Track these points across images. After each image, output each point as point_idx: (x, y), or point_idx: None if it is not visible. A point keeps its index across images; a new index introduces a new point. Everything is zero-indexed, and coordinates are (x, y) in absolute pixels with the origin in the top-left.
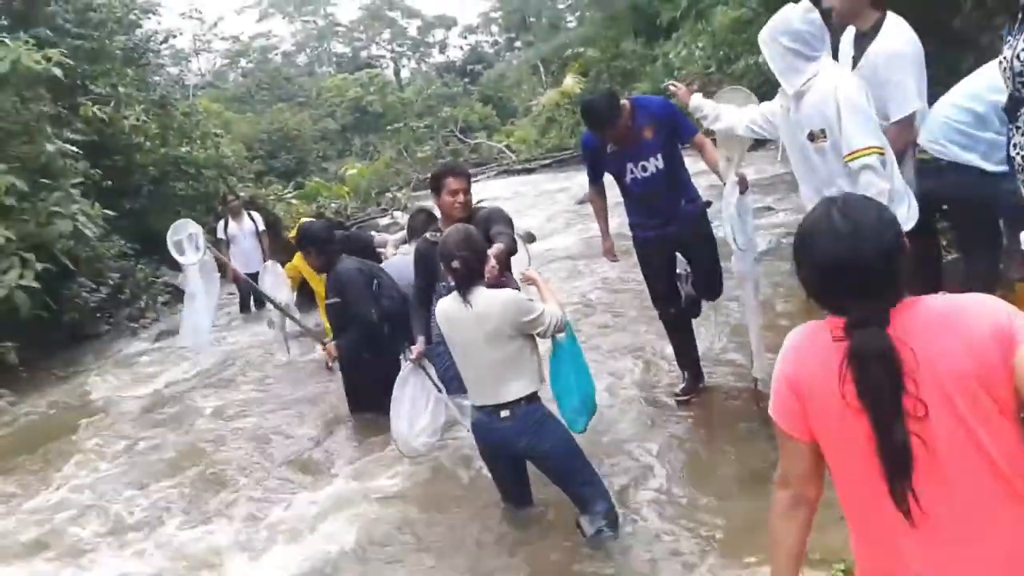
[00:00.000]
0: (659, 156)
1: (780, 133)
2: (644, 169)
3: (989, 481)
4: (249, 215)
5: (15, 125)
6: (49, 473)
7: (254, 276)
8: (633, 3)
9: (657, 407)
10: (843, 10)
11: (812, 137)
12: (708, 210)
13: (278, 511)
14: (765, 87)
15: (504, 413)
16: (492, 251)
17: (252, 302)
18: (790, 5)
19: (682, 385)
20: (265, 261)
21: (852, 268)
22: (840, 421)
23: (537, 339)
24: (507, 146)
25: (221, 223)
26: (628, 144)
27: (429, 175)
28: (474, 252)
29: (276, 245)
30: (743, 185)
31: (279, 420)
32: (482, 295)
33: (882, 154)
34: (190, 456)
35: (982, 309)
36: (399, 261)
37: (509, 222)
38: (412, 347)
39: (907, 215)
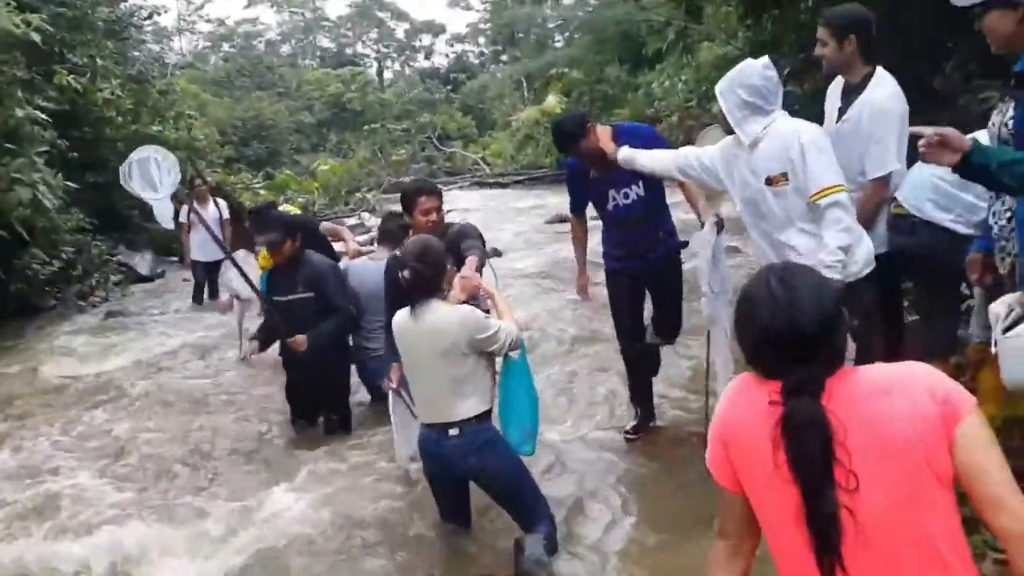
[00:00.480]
0: (640, 183)
1: (725, 180)
2: (626, 196)
3: (921, 558)
4: (214, 201)
5: None
6: None
7: (213, 264)
8: (623, 30)
9: (605, 442)
10: (834, 61)
11: (770, 181)
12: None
13: (214, 507)
14: None
15: (453, 432)
16: (468, 264)
17: (206, 292)
18: (749, 61)
19: (633, 423)
20: (226, 249)
21: (787, 337)
22: (769, 485)
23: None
24: (483, 158)
25: (184, 207)
26: (610, 170)
27: (400, 189)
28: (428, 264)
29: (238, 234)
30: (720, 225)
31: (223, 416)
32: (436, 310)
33: (848, 191)
34: (125, 443)
35: (925, 380)
36: (365, 266)
37: (480, 238)
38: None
39: (865, 256)
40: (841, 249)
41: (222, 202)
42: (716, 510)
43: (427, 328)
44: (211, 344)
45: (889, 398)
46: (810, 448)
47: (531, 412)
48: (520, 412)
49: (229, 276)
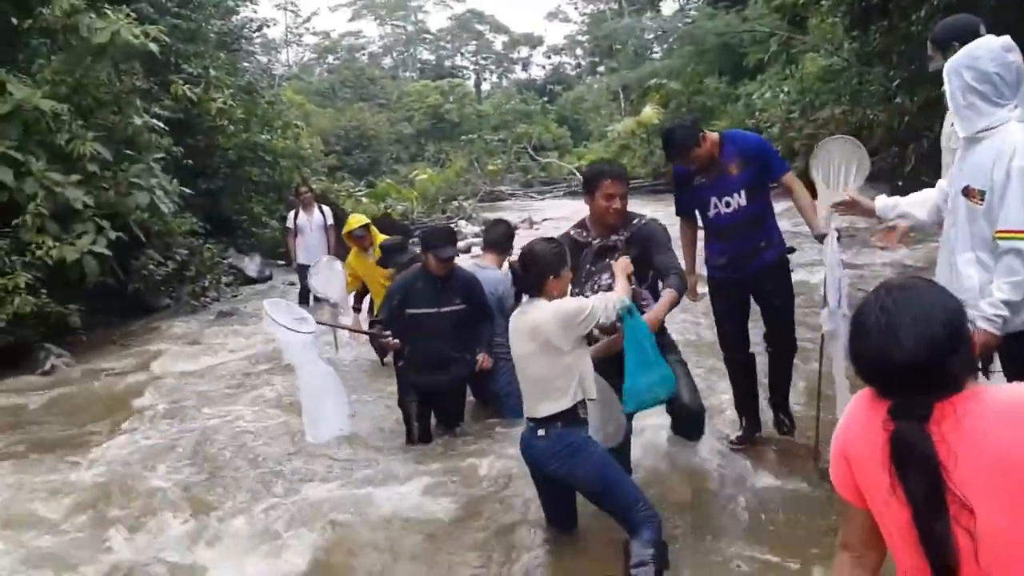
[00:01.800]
0: (742, 193)
1: (944, 166)
2: (727, 205)
3: None
4: (319, 208)
5: (107, 95)
6: (88, 441)
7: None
8: (723, 42)
9: (710, 451)
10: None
11: (968, 193)
12: (790, 256)
13: (291, 506)
14: None
15: (540, 432)
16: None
17: (312, 295)
18: (987, 37)
19: (738, 432)
20: (329, 254)
21: (886, 365)
22: (886, 504)
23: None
24: (578, 168)
25: (292, 213)
26: (713, 177)
27: (586, 174)
28: (530, 265)
29: (342, 240)
30: (838, 238)
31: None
32: (538, 307)
33: None
34: (228, 442)
35: None
36: (487, 274)
37: (669, 243)
38: None
39: None
40: (1006, 303)
41: (327, 209)
42: (830, 524)
43: (528, 325)
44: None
45: (1019, 425)
46: (916, 474)
47: (638, 371)
48: (630, 370)
49: (316, 280)
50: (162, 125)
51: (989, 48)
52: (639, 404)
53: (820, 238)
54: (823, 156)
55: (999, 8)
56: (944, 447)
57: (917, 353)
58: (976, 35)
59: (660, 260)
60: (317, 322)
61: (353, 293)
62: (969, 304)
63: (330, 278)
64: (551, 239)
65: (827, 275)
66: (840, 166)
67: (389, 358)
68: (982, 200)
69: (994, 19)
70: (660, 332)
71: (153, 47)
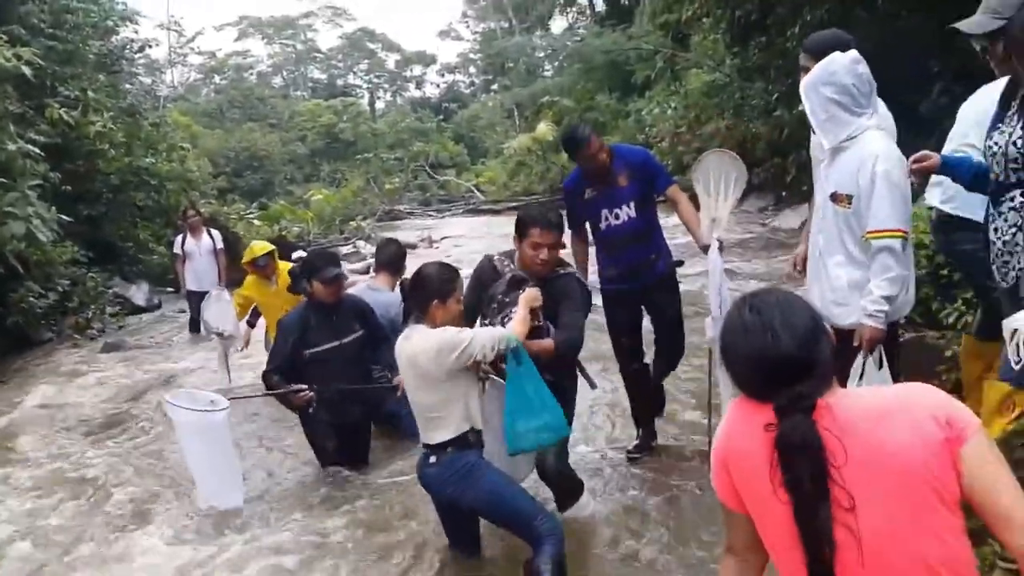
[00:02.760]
0: (631, 204)
1: (814, 178)
2: (617, 217)
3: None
4: (208, 232)
5: None
6: None
7: (206, 294)
8: (610, 59)
9: (607, 461)
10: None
11: (835, 198)
12: (677, 269)
13: (187, 551)
14: (734, 151)
15: (432, 459)
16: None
17: (202, 326)
18: (836, 54)
19: (635, 442)
20: (220, 279)
21: (766, 362)
22: (767, 506)
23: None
24: (476, 186)
25: (179, 237)
26: (604, 189)
27: (518, 218)
28: (416, 289)
29: (232, 264)
30: (721, 248)
31: None
32: (420, 336)
33: (905, 238)
34: (116, 477)
35: (926, 403)
36: (377, 297)
37: (586, 304)
38: None
39: (908, 302)
40: (885, 299)
41: (216, 233)
42: (723, 527)
43: (407, 353)
44: (206, 374)
45: (889, 421)
46: (803, 465)
47: (518, 415)
48: (509, 412)
49: (209, 315)
50: (38, 151)
51: (842, 63)
52: (518, 447)
53: (704, 248)
54: (703, 169)
55: (870, 24)
56: (830, 438)
57: (793, 345)
58: (848, 48)
59: (566, 318)
60: (229, 398)
61: (245, 318)
62: (839, 302)
63: (222, 310)
64: (448, 265)
65: (710, 284)
66: (720, 178)
67: None
68: (849, 204)
69: (864, 34)
70: (566, 374)
71: (26, 70)
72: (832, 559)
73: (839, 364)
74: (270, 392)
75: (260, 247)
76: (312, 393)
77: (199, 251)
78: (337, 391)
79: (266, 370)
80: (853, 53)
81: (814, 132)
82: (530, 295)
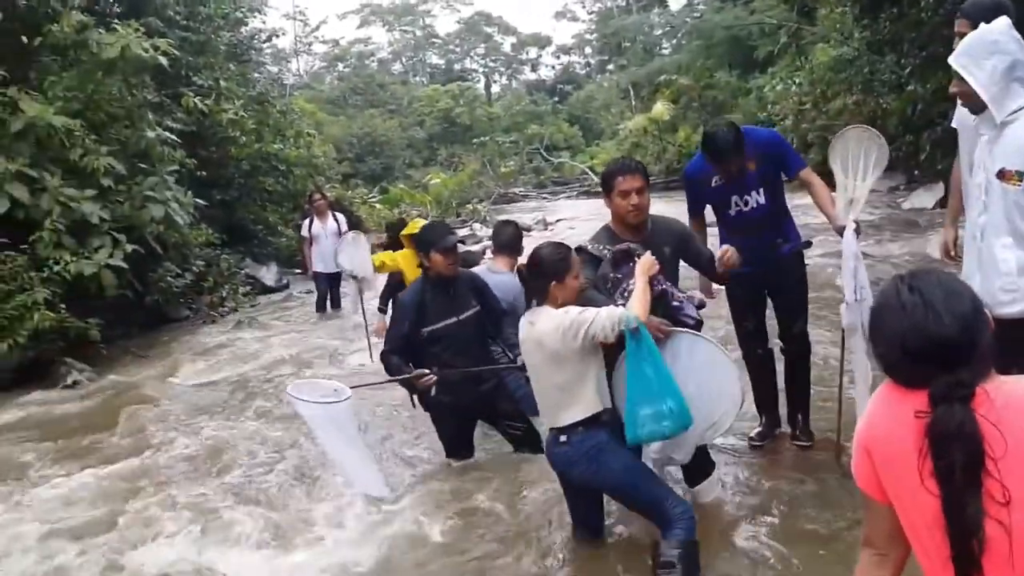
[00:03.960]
0: (761, 191)
1: (962, 154)
2: (746, 203)
3: None
4: (333, 216)
5: (119, 110)
6: (110, 452)
7: (334, 276)
8: (731, 35)
9: (728, 449)
10: None
11: (1003, 175)
12: (805, 251)
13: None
14: None
15: (562, 439)
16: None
17: (328, 302)
18: (986, 27)
19: (758, 429)
20: None
21: (925, 345)
22: (914, 497)
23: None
24: (591, 167)
25: (306, 221)
26: (736, 177)
27: (602, 176)
28: (534, 272)
29: None
30: (858, 231)
31: None
32: (543, 317)
33: None
34: (246, 453)
35: None
36: (497, 279)
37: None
38: None
39: None
40: None
41: (341, 216)
42: (854, 520)
43: (536, 335)
44: (335, 350)
45: None
46: (957, 455)
47: (637, 401)
48: (629, 397)
49: (343, 258)
50: (175, 138)
51: (1002, 31)
52: (637, 437)
53: (840, 231)
54: (841, 147)
55: None
56: (989, 428)
57: (956, 327)
58: (1010, 16)
59: (695, 249)
60: (351, 387)
61: (381, 296)
62: (1007, 288)
63: (356, 252)
64: (559, 244)
65: (844, 268)
66: (859, 156)
67: None
68: (1020, 181)
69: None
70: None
71: (163, 60)
72: (981, 555)
73: (1005, 361)
74: (393, 379)
75: (422, 223)
76: (436, 377)
77: (325, 234)
78: (460, 373)
79: (383, 351)
80: (1007, 19)
81: (962, 104)
82: (645, 263)
